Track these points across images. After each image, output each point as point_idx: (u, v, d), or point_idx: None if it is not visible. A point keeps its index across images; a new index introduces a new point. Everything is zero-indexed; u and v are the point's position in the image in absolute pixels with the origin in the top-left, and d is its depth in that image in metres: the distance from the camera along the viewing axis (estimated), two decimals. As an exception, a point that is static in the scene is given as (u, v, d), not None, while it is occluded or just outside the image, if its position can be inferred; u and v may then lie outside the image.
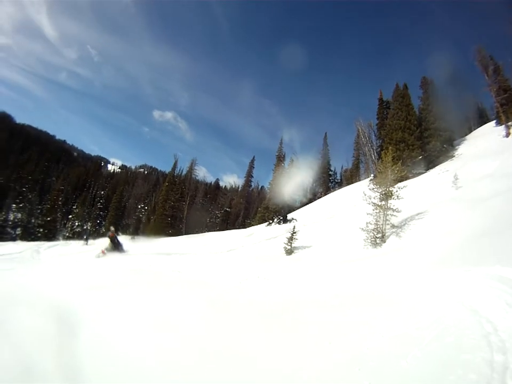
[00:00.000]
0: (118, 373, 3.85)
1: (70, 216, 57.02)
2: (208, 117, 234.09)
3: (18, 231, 49.93)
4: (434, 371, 3.54)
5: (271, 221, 28.12)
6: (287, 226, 21.17)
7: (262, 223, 32.66)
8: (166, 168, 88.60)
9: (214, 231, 35.87)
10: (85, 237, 37.26)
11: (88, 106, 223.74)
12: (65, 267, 16.30)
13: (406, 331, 4.59)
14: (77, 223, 55.92)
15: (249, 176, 52.65)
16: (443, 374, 3.45)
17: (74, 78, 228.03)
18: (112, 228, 19.05)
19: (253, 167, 52.90)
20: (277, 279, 9.78)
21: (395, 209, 14.38)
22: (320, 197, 39.36)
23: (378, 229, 14.26)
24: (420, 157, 28.00)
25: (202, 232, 36.05)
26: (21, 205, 53.47)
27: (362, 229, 14.53)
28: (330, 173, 48.25)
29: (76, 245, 37.51)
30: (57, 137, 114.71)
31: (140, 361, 4.17)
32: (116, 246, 18.01)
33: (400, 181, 16.10)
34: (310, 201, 39.44)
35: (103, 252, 17.31)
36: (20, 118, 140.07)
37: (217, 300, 7.40)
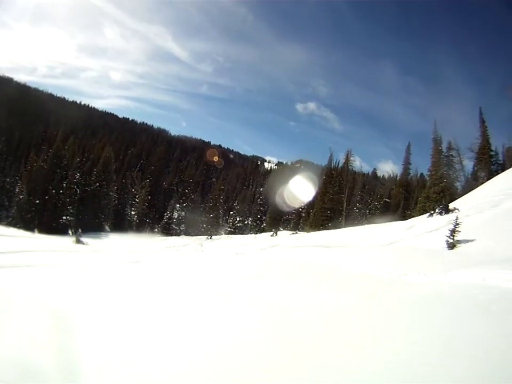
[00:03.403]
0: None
1: (232, 213, 60.78)
2: (353, 103, 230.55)
3: (183, 227, 56.42)
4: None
5: (432, 212, 26.66)
6: (449, 217, 19.86)
7: (423, 213, 31.06)
8: (321, 161, 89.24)
9: (374, 223, 35.24)
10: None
11: (235, 111, 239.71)
12: (225, 257, 17.53)
13: None
14: (238, 219, 59.44)
15: (407, 163, 49.51)
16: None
17: (215, 88, 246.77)
18: None
19: (410, 153, 49.61)
20: (438, 276, 9.11)
21: None
22: (482, 183, 35.74)
23: None
24: None
25: (361, 225, 35.69)
26: (185, 205, 59.40)
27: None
28: (491, 153, 41.42)
29: (238, 238, 40.17)
30: (212, 142, 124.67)
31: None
32: None
33: None
34: (470, 188, 36.27)
35: None
36: (174, 130, 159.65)
37: (375, 295, 7.04)
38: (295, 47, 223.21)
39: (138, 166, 69.25)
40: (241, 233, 51.53)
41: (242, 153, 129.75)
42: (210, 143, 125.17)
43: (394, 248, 16.84)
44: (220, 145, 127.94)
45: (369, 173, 66.38)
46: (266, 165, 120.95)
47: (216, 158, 66.74)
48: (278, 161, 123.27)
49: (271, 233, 41.07)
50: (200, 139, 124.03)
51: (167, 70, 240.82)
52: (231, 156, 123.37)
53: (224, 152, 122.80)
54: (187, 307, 6.12)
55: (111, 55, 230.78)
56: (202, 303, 6.31)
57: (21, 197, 46.19)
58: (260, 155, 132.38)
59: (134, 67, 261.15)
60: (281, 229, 49.16)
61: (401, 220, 31.20)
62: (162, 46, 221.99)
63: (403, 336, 4.64)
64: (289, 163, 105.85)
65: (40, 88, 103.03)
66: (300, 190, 53.37)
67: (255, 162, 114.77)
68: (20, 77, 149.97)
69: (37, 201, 44.67)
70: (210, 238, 40.32)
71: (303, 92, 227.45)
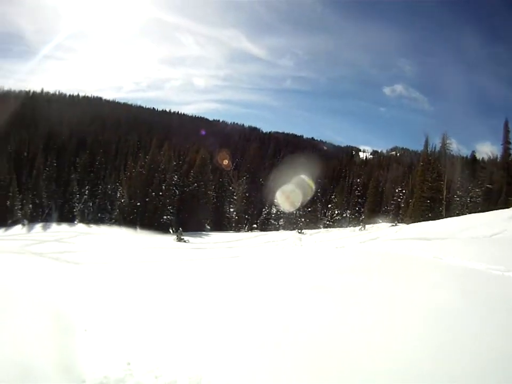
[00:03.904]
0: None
1: (329, 206, 60.44)
2: (440, 80, 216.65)
3: (281, 221, 56.85)
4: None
5: (540, 199, 24.66)
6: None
7: (528, 200, 28.68)
8: (416, 147, 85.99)
9: (475, 212, 33.48)
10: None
11: (322, 102, 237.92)
12: (323, 251, 17.64)
13: None
14: (336, 212, 59.04)
15: (506, 143, 43.53)
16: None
17: (299, 82, 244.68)
18: None
19: (508, 131, 43.10)
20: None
21: None
22: None
23: None
24: None
25: (462, 215, 34.23)
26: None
27: None
28: None
29: (337, 232, 40.19)
30: (305, 136, 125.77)
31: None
32: None
33: None
34: None
35: None
36: (265, 127, 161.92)
37: (472, 292, 6.50)
38: (369, 29, 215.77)
39: (234, 164, 70.99)
40: (340, 226, 51.29)
41: (335, 144, 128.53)
42: (302, 136, 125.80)
43: (497, 240, 16.12)
44: (312, 138, 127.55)
45: (468, 156, 61.91)
46: (361, 155, 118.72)
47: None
48: (373, 150, 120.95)
49: (359, 227, 41.19)
50: (292, 133, 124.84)
51: (249, 70, 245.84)
52: (325, 148, 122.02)
53: (317, 145, 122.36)
54: (279, 299, 6.33)
55: (191, 62, 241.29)
56: (297, 296, 6.48)
57: (122, 200, 50.52)
58: (353, 145, 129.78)
59: (215, 71, 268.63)
60: (380, 221, 48.40)
61: (504, 208, 28.81)
62: (238, 48, 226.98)
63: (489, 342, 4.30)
64: (384, 151, 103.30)
65: (129, 102, 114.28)
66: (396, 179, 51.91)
67: (349, 153, 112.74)
68: (109, 95, 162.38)
69: (138, 204, 47.92)
70: (301, 232, 40.62)
71: (388, 74, 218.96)
